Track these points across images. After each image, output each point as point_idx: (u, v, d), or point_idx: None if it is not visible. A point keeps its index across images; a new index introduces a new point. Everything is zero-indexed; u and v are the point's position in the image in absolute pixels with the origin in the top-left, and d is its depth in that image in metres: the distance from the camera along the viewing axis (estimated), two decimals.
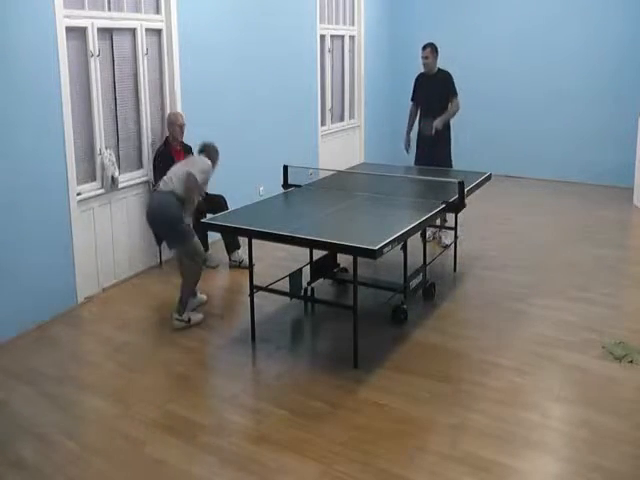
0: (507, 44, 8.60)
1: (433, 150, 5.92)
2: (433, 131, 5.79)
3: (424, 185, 5.16)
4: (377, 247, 3.41)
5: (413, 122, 6.18)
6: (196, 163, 4.42)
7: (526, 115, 8.63)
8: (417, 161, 6.08)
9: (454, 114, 5.91)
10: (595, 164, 8.23)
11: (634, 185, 7.31)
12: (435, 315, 4.50)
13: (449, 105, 5.86)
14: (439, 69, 5.94)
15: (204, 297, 4.70)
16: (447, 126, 5.94)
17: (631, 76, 7.85)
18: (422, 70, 6.02)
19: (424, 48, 5.88)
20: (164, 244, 4.87)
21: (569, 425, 3.20)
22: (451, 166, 5.96)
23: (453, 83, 5.89)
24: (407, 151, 6.19)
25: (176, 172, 4.34)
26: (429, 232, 5.72)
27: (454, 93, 5.88)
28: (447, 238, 5.83)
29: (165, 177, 4.38)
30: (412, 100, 6.17)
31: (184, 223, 4.22)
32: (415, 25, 9.31)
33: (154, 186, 4.27)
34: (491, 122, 8.62)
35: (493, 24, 8.69)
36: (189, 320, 4.28)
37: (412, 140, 6.14)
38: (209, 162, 4.46)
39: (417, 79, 6.13)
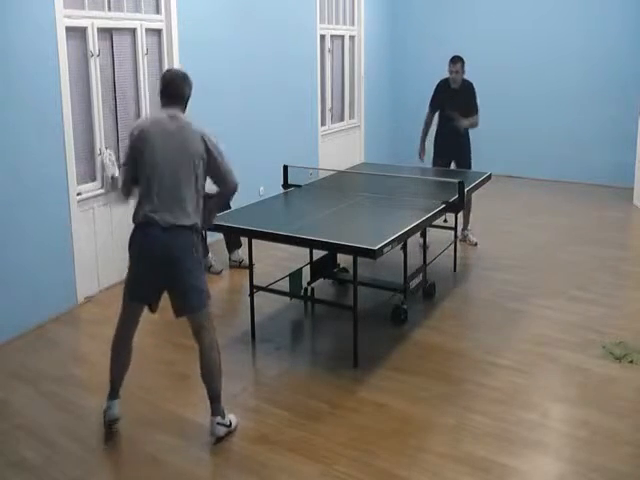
0: (507, 44, 8.60)
1: (456, 154, 5.94)
2: (460, 124, 5.78)
3: (424, 185, 5.16)
4: (377, 247, 3.42)
5: (428, 130, 6.03)
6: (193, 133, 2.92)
7: (526, 115, 8.62)
8: (436, 163, 6.01)
9: (474, 126, 5.91)
10: (595, 164, 8.23)
11: (634, 185, 7.31)
12: (435, 315, 4.50)
13: (474, 117, 5.88)
14: (463, 79, 5.85)
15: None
16: (467, 132, 5.97)
17: (631, 76, 7.84)
18: (442, 78, 5.90)
19: (455, 62, 5.72)
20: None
21: (569, 425, 3.20)
22: (470, 167, 5.98)
23: (476, 97, 5.86)
24: (421, 159, 6.06)
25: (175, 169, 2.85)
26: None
27: (477, 109, 5.88)
28: (474, 237, 5.98)
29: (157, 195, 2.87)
30: (430, 107, 5.98)
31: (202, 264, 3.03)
32: (415, 25, 9.32)
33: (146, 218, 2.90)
34: (491, 122, 8.56)
35: (493, 24, 8.69)
36: (230, 424, 3.10)
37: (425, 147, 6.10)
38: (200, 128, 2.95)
39: (440, 87, 5.91)
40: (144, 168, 2.90)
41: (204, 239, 5.33)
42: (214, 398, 3.05)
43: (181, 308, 2.99)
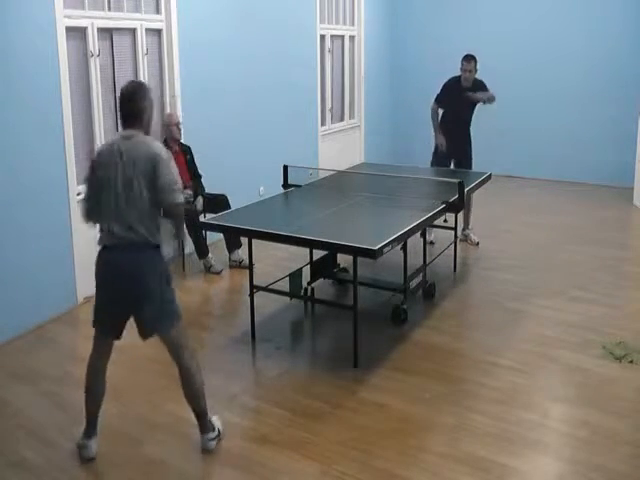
0: (508, 44, 8.59)
1: (458, 152, 5.93)
2: (477, 98, 5.72)
3: (424, 185, 5.16)
4: (377, 247, 3.42)
5: (438, 121, 5.96)
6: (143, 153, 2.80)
7: (526, 115, 8.62)
8: (435, 163, 5.99)
9: (490, 99, 5.79)
10: (595, 164, 8.23)
11: (634, 185, 7.31)
12: (435, 315, 4.50)
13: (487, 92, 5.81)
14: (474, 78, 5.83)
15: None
16: (469, 131, 5.97)
17: (631, 76, 7.84)
18: (451, 76, 5.88)
19: (468, 60, 5.68)
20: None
21: (569, 425, 3.20)
22: (471, 167, 5.95)
23: (487, 89, 5.82)
24: (443, 147, 5.93)
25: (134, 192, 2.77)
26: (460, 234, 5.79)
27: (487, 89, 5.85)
28: (475, 236, 6.00)
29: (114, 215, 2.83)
30: (437, 102, 5.93)
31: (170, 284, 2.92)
32: (415, 25, 9.32)
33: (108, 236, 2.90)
34: (491, 122, 8.59)
35: (493, 24, 8.68)
36: (218, 432, 3.08)
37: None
38: (156, 144, 2.87)
39: (449, 85, 5.87)
40: (101, 191, 2.84)
41: (204, 239, 5.34)
42: (201, 415, 3.00)
43: (148, 330, 2.89)
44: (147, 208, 2.79)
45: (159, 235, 2.86)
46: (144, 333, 2.90)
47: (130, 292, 2.83)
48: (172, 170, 2.81)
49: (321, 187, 5.22)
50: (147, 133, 2.91)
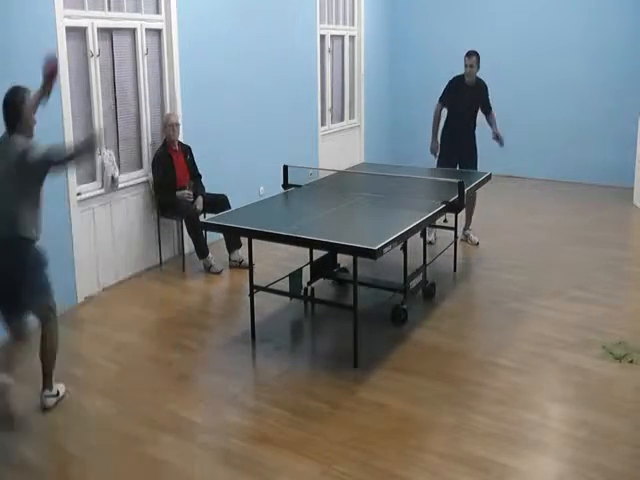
0: (507, 44, 8.59)
1: (463, 153, 5.92)
2: (501, 141, 5.89)
3: (424, 185, 5.16)
4: (377, 247, 3.42)
5: (439, 124, 5.99)
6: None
7: (526, 115, 8.61)
8: (440, 164, 5.99)
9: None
10: (595, 164, 8.22)
11: (634, 185, 7.31)
12: (435, 315, 4.50)
13: (489, 115, 5.89)
14: (477, 78, 5.84)
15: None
16: (474, 131, 5.98)
17: (631, 75, 7.84)
18: (456, 74, 5.89)
19: (470, 55, 5.73)
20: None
21: (569, 425, 3.20)
22: (477, 168, 5.94)
23: (489, 96, 5.87)
24: (435, 154, 6.02)
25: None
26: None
27: (490, 107, 5.88)
28: (475, 236, 6.00)
29: None
30: (440, 101, 5.96)
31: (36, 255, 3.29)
32: (415, 25, 9.31)
33: None
34: None
35: (493, 24, 8.68)
36: (58, 392, 3.43)
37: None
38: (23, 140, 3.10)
39: (453, 83, 5.89)
40: None
41: (204, 239, 5.34)
42: (48, 374, 3.36)
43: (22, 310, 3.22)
44: (24, 203, 3.06)
45: (35, 225, 3.17)
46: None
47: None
48: (48, 148, 3.05)
49: (321, 187, 5.22)
50: (30, 135, 3.15)
